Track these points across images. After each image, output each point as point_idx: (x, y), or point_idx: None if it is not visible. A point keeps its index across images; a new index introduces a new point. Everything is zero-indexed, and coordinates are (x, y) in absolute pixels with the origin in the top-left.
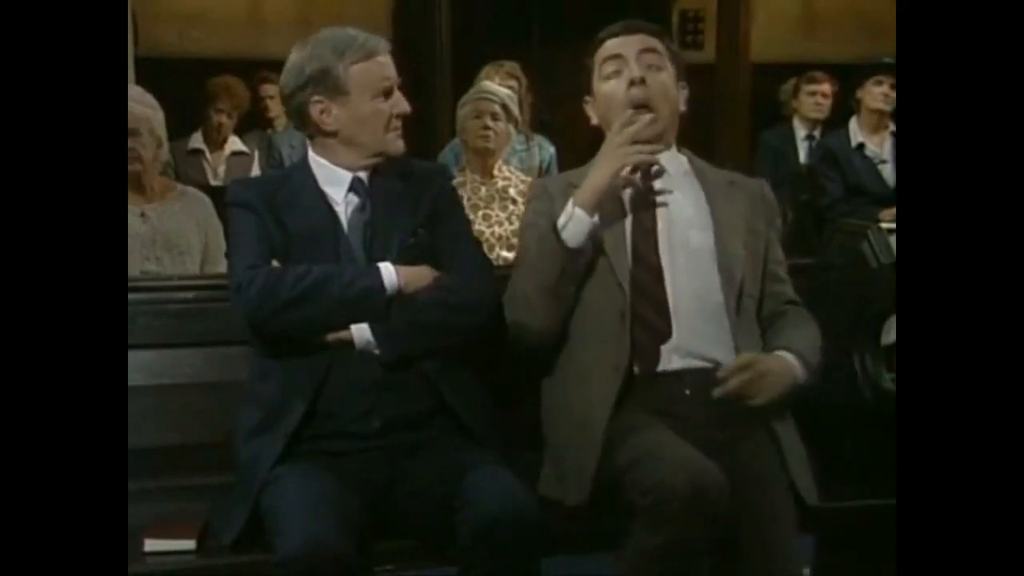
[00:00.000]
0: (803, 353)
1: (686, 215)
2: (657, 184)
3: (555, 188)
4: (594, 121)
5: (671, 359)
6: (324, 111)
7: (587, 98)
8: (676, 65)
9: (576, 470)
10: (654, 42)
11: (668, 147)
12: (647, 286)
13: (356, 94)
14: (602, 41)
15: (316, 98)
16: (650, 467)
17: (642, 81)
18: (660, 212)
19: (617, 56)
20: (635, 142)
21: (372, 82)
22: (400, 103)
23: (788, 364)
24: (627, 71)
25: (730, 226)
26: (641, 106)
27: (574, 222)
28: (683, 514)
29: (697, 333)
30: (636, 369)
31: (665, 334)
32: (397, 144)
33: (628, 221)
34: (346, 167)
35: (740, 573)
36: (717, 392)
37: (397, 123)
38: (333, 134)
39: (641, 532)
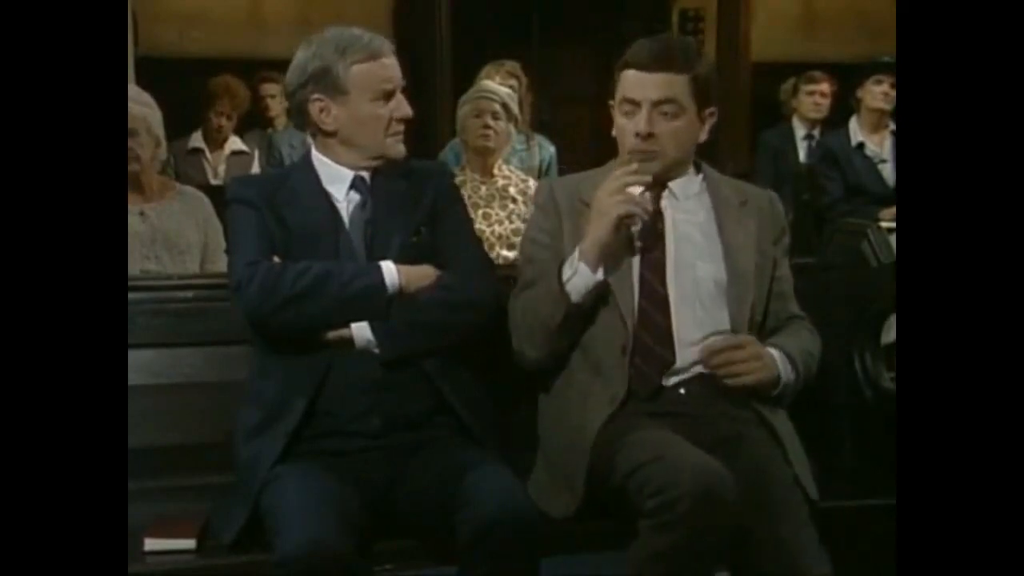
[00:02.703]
0: (791, 354)
1: (694, 244)
2: (667, 214)
3: (564, 201)
4: (614, 132)
5: (670, 380)
6: (324, 110)
7: (611, 102)
8: (700, 100)
9: (566, 481)
10: (675, 87)
11: (678, 177)
12: (653, 317)
13: (355, 94)
14: (627, 65)
15: (316, 96)
16: (657, 469)
17: (648, 136)
18: (668, 241)
19: (633, 101)
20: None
21: (372, 84)
22: (401, 107)
23: (773, 358)
24: (637, 119)
25: (741, 251)
26: (644, 151)
27: (578, 277)
28: (692, 515)
29: (699, 358)
30: (634, 390)
31: (668, 363)
32: (397, 148)
33: (636, 251)
34: (347, 166)
35: (759, 569)
36: (704, 357)
37: (398, 127)
38: (333, 134)
39: (649, 534)
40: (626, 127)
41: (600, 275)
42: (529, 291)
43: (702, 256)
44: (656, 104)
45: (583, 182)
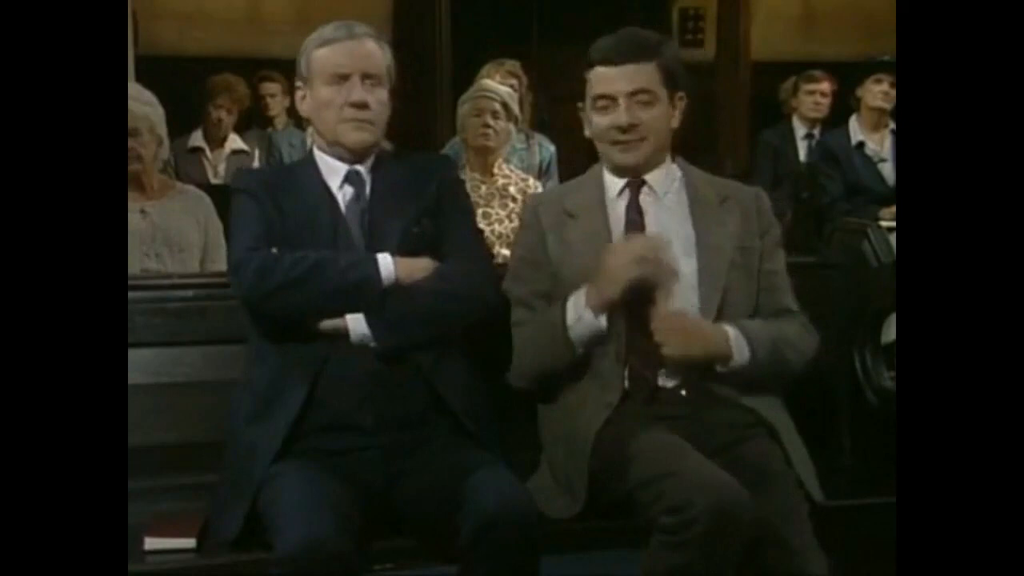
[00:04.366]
0: (751, 334)
1: (676, 238)
2: (648, 210)
3: (547, 215)
4: (588, 133)
5: (668, 381)
6: (303, 97)
7: (580, 105)
8: (670, 85)
9: (567, 484)
10: (647, 75)
11: (654, 169)
12: (643, 316)
13: (315, 80)
14: (594, 64)
15: (298, 84)
16: (672, 485)
17: (630, 127)
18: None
19: (608, 96)
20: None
21: (326, 67)
22: (353, 92)
23: (721, 333)
24: (617, 113)
25: (716, 251)
26: (627, 143)
27: (583, 324)
28: (709, 534)
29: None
30: (632, 391)
31: (661, 360)
32: (352, 136)
33: None
34: (339, 159)
35: (759, 569)
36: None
37: (352, 112)
38: (311, 122)
39: (664, 549)
40: (603, 123)
41: (604, 322)
42: (525, 323)
43: (683, 251)
44: (632, 95)
45: (566, 193)
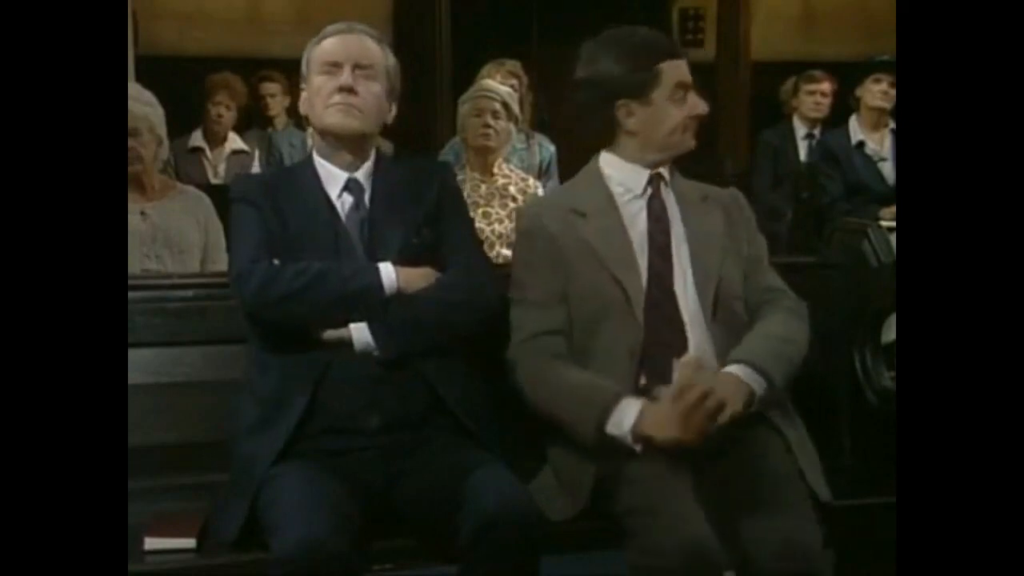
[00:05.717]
0: (759, 362)
1: (678, 233)
2: (670, 206)
3: (552, 219)
4: (631, 128)
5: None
6: (304, 100)
7: (627, 102)
8: None
9: (569, 486)
10: None
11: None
12: (664, 309)
13: (311, 75)
14: (670, 56)
15: (301, 86)
16: (648, 527)
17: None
18: (672, 232)
19: (686, 84)
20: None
21: (318, 60)
22: (343, 77)
23: (733, 384)
24: (692, 100)
25: (706, 242)
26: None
27: (619, 436)
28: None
29: (700, 347)
30: (645, 389)
31: (681, 351)
32: (337, 119)
33: (645, 245)
34: (339, 166)
35: (757, 565)
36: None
37: (340, 97)
38: (309, 121)
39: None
40: (682, 113)
41: (639, 449)
42: (549, 405)
43: (684, 243)
44: (692, 79)
45: (568, 194)
